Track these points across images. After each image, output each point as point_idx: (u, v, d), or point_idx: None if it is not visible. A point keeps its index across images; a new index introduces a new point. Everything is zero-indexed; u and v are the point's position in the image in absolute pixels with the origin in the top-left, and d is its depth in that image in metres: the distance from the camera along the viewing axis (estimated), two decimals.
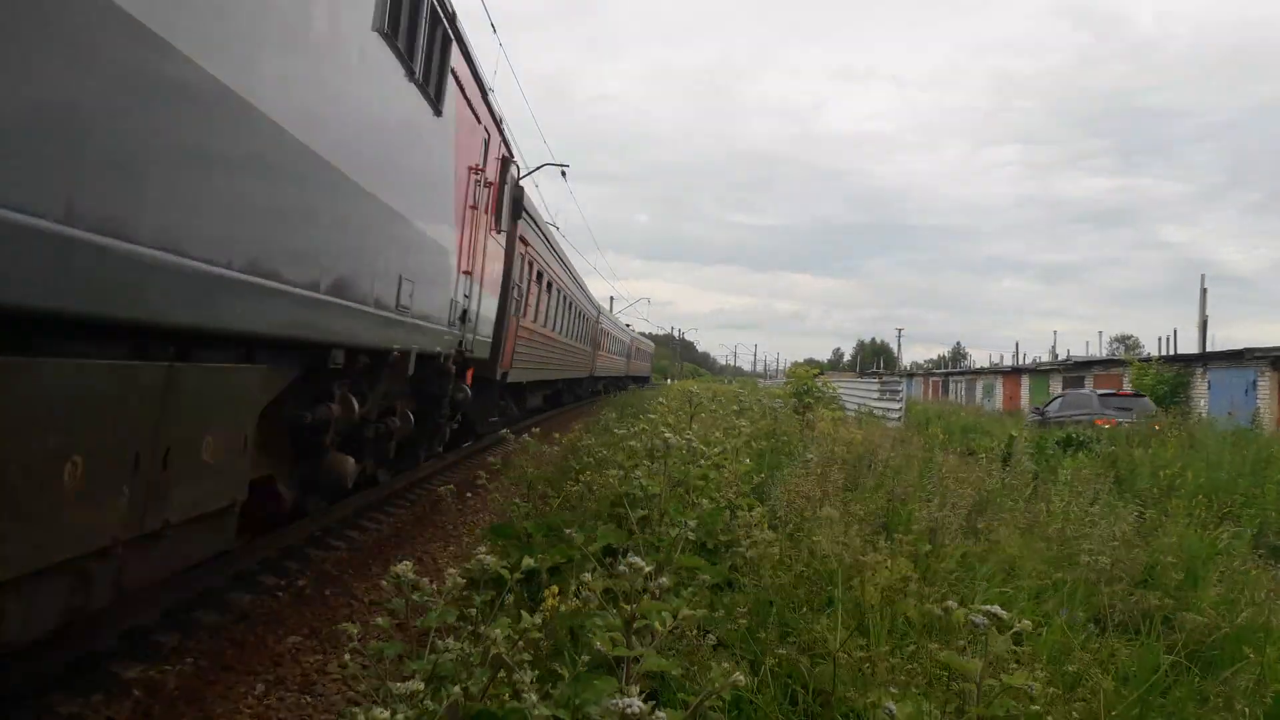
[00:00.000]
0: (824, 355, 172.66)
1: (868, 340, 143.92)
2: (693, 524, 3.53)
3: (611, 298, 63.75)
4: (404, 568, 2.13)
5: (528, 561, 2.32)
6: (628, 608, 2.03)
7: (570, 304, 21.40)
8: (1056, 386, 39.88)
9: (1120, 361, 36.44)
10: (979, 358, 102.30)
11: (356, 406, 5.59)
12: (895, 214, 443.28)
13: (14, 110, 2.16)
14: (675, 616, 2.02)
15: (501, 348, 11.49)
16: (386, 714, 1.83)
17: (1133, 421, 16.97)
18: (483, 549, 2.40)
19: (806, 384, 16.08)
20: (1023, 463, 8.95)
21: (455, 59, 6.98)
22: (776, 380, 66.22)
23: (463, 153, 7.77)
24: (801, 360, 35.68)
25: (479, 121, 8.50)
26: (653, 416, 7.79)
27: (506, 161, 10.45)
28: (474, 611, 2.22)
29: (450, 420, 9.19)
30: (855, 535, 4.25)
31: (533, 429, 6.16)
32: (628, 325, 53.52)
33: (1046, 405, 25.70)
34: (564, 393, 26.57)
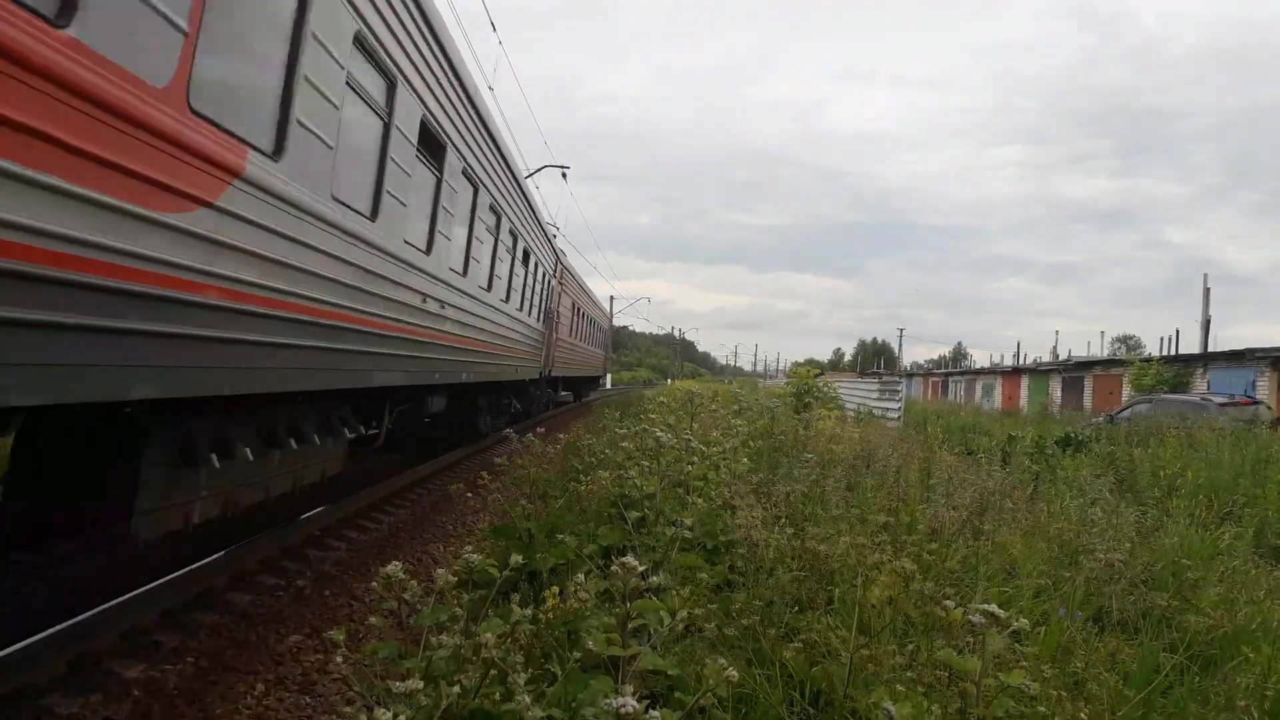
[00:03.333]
0: (825, 355, 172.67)
1: (869, 340, 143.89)
2: (689, 523, 3.52)
3: (612, 297, 63.59)
4: (394, 568, 2.13)
5: (515, 559, 2.32)
6: (623, 607, 2.03)
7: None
8: (1057, 386, 39.81)
9: (1121, 361, 36.42)
10: (980, 358, 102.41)
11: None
12: (897, 214, 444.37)
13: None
14: (673, 615, 2.02)
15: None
16: (389, 715, 1.82)
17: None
18: (469, 548, 2.40)
19: (807, 384, 16.09)
20: (1023, 462, 8.92)
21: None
22: (777, 380, 66.11)
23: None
24: (802, 360, 35.16)
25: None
26: (654, 416, 7.79)
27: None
28: (461, 610, 2.21)
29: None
30: (860, 535, 4.25)
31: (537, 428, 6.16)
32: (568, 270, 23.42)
33: (1120, 411, 20.73)
34: None
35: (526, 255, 14.34)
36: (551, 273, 18.68)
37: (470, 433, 13.27)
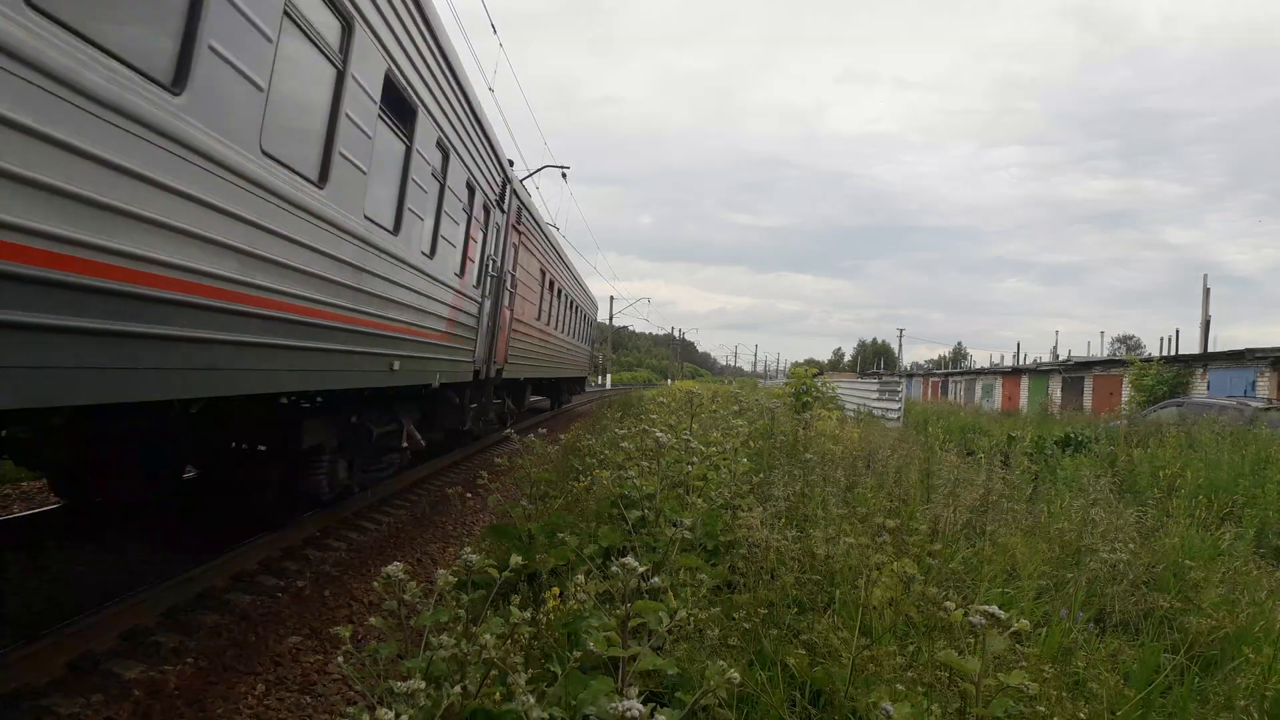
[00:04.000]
0: (825, 355, 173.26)
1: (869, 340, 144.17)
2: (689, 524, 3.52)
3: (612, 297, 63.66)
4: (394, 568, 2.13)
5: (515, 560, 2.32)
6: (623, 608, 2.03)
7: None
8: (1057, 387, 39.81)
9: (1121, 362, 36.42)
10: (980, 358, 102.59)
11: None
12: (898, 215, 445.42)
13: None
14: (672, 616, 2.02)
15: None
16: (391, 715, 1.82)
17: None
18: (468, 549, 2.40)
19: (806, 383, 16.08)
20: (1022, 462, 8.93)
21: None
22: (777, 380, 66.19)
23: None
24: (802, 361, 35.03)
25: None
26: (654, 417, 7.79)
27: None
28: (462, 612, 2.21)
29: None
30: (861, 536, 4.24)
31: (539, 428, 6.18)
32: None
33: (1147, 413, 18.72)
34: None
35: (406, 114, 6.59)
36: (496, 202, 10.42)
37: (291, 497, 6.78)
